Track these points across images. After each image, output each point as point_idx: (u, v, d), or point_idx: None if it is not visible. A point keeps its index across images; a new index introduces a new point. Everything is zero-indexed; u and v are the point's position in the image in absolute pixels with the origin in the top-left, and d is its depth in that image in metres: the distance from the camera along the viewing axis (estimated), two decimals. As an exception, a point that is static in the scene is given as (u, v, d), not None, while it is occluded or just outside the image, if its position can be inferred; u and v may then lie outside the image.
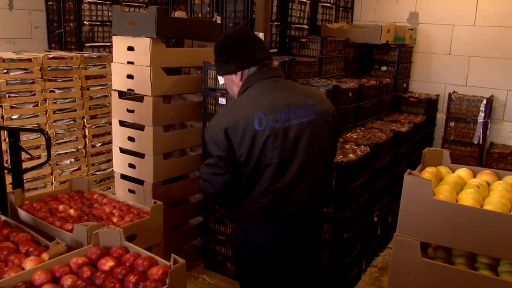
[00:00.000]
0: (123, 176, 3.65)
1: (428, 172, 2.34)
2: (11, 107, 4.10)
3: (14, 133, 2.91)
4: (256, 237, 2.22)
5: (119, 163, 3.65)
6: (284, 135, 2.08)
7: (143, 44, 3.29)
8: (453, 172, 2.45)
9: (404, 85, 5.85)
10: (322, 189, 2.26)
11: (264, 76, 2.21)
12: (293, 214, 2.18)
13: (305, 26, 5.15)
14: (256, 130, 2.05)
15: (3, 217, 2.45)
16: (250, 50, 2.22)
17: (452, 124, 5.64)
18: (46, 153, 4.28)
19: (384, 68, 5.60)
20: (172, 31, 3.42)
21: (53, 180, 4.54)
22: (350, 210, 3.45)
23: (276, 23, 4.60)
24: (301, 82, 4.00)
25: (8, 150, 3.05)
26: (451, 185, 2.20)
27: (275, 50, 4.65)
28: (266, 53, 2.28)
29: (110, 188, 4.92)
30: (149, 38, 3.25)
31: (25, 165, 3.42)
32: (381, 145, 3.89)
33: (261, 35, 4.09)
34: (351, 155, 3.43)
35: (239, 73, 2.24)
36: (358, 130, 4.21)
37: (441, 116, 5.86)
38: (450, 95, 5.63)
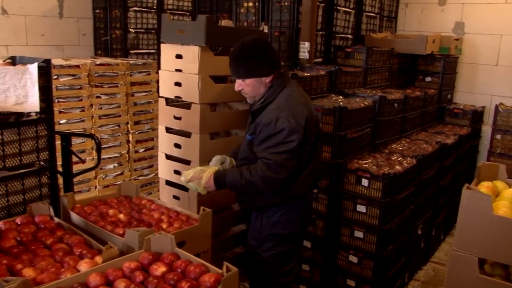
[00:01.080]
0: (168, 182, 3.68)
1: (485, 187, 2.28)
2: (60, 112, 4.20)
3: (66, 138, 2.98)
4: (304, 209, 2.75)
5: (165, 170, 3.68)
6: (318, 122, 2.73)
7: (192, 52, 3.32)
8: (510, 187, 2.39)
9: (449, 96, 5.74)
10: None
11: (288, 76, 2.76)
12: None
13: (350, 36, 5.13)
14: (316, 115, 2.69)
15: (56, 219, 2.50)
16: (276, 55, 2.66)
17: (498, 136, 5.50)
18: (92, 157, 4.41)
19: (428, 78, 5.51)
20: (220, 39, 3.44)
21: (97, 184, 4.63)
22: (395, 222, 3.40)
23: (321, 32, 4.58)
24: (347, 92, 3.98)
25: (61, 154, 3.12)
26: (510, 201, 2.14)
27: (320, 59, 4.63)
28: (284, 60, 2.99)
29: (151, 193, 4.98)
30: (198, 47, 3.28)
31: (74, 168, 3.50)
32: (427, 157, 3.83)
33: (306, 45, 4.09)
34: (397, 166, 3.39)
35: (272, 75, 2.61)
36: (403, 142, 4.16)
37: (486, 128, 5.73)
38: (497, 106, 5.49)
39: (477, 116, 5.48)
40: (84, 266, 2.01)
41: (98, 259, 2.08)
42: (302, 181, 2.61)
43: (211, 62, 3.39)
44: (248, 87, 2.66)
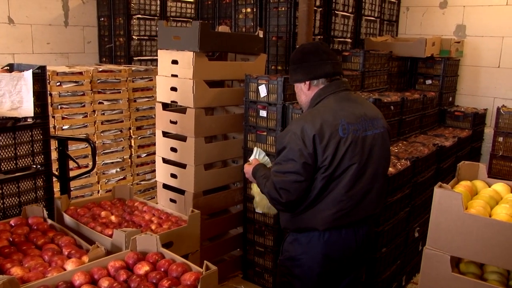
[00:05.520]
0: (165, 186, 3.75)
1: (462, 186, 2.31)
2: (63, 118, 4.29)
3: (62, 142, 3.07)
4: (321, 245, 2.30)
5: (162, 173, 3.76)
6: (362, 143, 2.24)
7: (187, 58, 3.40)
8: (489, 186, 2.41)
9: (450, 99, 5.74)
10: (382, 198, 2.42)
11: (338, 89, 2.35)
12: (359, 221, 2.31)
13: (349, 40, 5.17)
14: (340, 136, 2.19)
15: (49, 221, 2.58)
16: (319, 63, 2.35)
17: (500, 139, 5.46)
18: (98, 162, 4.50)
19: (429, 81, 5.52)
20: (214, 45, 3.52)
21: (100, 189, 4.71)
22: (388, 224, 3.43)
23: (319, 37, 4.63)
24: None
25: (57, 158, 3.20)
26: (486, 200, 2.17)
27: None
28: (336, 68, 2.39)
29: (154, 197, 5.05)
30: (192, 52, 3.36)
31: (74, 173, 3.59)
32: (423, 159, 3.85)
33: (302, 49, 4.14)
34: (390, 168, 3.41)
35: (307, 82, 2.38)
36: (400, 144, 4.17)
37: (489, 131, 5.71)
38: (498, 109, 5.47)
39: (478, 118, 5.47)
40: (70, 265, 2.08)
41: (85, 258, 2.14)
42: (317, 213, 2.26)
43: (206, 67, 3.46)
44: (296, 92, 2.52)
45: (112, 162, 4.78)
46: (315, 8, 4.42)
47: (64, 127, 4.30)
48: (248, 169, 2.54)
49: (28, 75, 2.62)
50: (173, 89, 3.54)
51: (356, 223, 2.30)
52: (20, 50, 5.34)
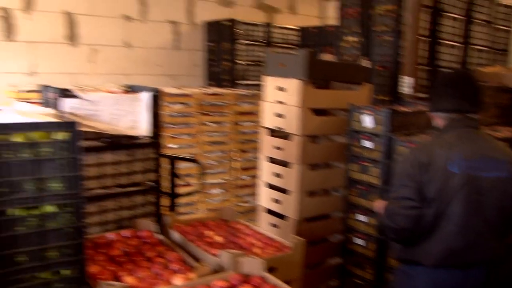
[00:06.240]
0: (267, 210, 3.80)
1: None
2: (170, 137, 4.52)
3: (172, 161, 3.22)
4: (425, 282, 2.22)
5: (264, 197, 3.81)
6: (478, 183, 2.13)
7: (293, 85, 3.45)
8: None
9: None
10: (499, 245, 2.23)
11: (461, 124, 2.26)
12: (470, 264, 2.18)
13: (457, 70, 4.99)
14: (452, 172, 2.12)
15: (158, 236, 2.72)
16: (444, 96, 2.31)
17: None
18: (197, 181, 4.67)
19: (547, 116, 5.18)
20: (321, 73, 3.54)
21: (202, 207, 4.87)
22: None
23: (424, 67, 4.52)
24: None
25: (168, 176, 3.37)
26: None
27: (423, 95, 4.56)
28: (462, 104, 2.26)
29: (253, 220, 5.13)
30: (299, 80, 3.41)
31: (180, 190, 3.74)
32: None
33: (407, 79, 4.08)
34: None
35: (433, 113, 2.38)
36: None
37: None
38: None
39: None
40: (177, 280, 2.17)
41: (191, 275, 2.23)
42: (425, 246, 2.20)
43: (312, 95, 3.49)
44: None
45: (215, 183, 4.93)
46: (421, 37, 4.33)
47: (171, 146, 4.52)
48: (380, 205, 2.47)
49: (145, 96, 2.80)
50: (278, 115, 3.60)
51: (468, 266, 2.17)
52: (134, 72, 5.70)
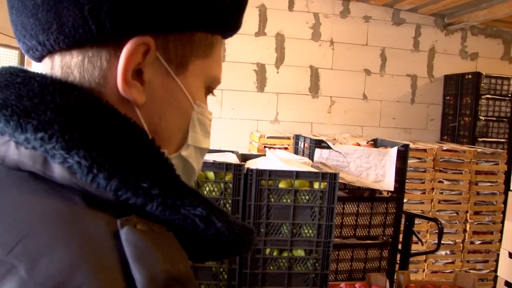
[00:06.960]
0: (508, 283, 3.44)
1: None
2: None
3: (410, 218, 3.14)
4: None
5: (506, 269, 3.47)
6: None
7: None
8: None
9: None
10: None
11: None
12: None
13: None
14: None
15: (393, 294, 2.66)
16: None
17: None
18: (425, 240, 4.47)
19: None
20: None
21: (425, 268, 4.63)
22: None
23: None
24: None
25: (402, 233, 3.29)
26: None
27: None
28: None
29: (484, 290, 4.71)
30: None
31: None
32: None
33: None
34: None
35: None
36: None
37: None
38: None
39: None
40: None
41: None
42: None
43: None
44: None
45: (443, 244, 4.65)
46: None
47: (402, 201, 4.42)
48: None
49: (393, 152, 2.81)
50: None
51: None
52: (368, 123, 5.78)
